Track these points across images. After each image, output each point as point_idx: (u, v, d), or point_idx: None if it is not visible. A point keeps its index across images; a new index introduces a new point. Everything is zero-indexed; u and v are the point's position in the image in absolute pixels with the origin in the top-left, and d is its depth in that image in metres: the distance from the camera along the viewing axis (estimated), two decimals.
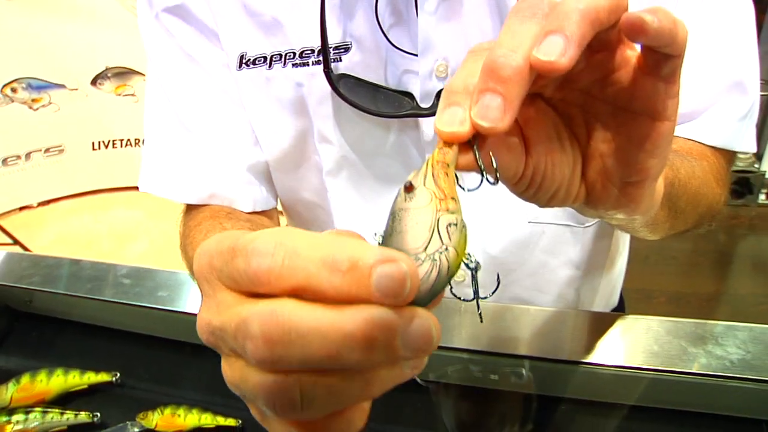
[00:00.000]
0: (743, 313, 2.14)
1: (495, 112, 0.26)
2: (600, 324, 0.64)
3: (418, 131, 0.61)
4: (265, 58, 0.61)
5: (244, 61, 0.62)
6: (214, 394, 0.70)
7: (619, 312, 0.85)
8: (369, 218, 0.68)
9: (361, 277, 0.22)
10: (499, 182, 0.31)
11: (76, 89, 2.37)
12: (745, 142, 0.60)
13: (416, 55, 0.57)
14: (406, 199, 0.29)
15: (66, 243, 2.43)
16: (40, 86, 2.29)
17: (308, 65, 0.59)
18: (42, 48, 2.27)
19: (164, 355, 0.75)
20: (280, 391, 0.24)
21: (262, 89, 0.62)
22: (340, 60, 0.58)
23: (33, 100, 2.29)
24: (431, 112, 0.57)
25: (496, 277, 0.67)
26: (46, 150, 2.44)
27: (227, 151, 0.65)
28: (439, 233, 0.27)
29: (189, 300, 0.71)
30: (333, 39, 0.58)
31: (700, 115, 0.60)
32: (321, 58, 0.57)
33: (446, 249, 0.26)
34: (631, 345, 0.61)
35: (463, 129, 0.28)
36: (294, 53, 0.60)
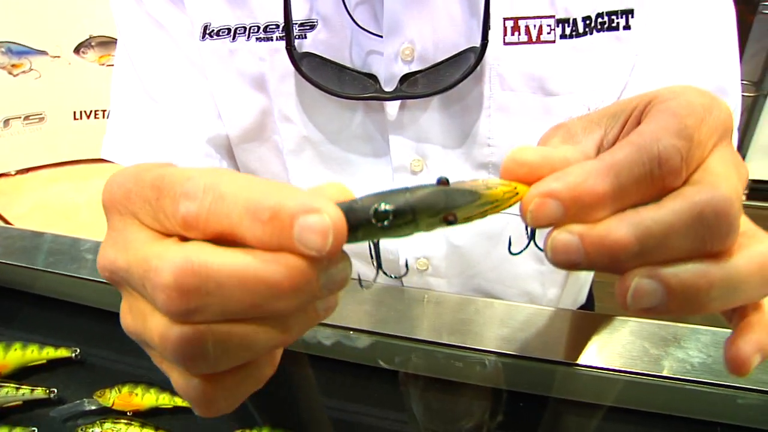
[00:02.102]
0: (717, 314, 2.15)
1: (568, 258, 0.26)
2: (564, 321, 0.64)
3: (382, 113, 0.60)
4: (228, 29, 0.60)
5: (207, 31, 0.60)
6: None
7: (588, 309, 0.84)
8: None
9: (283, 227, 0.22)
10: None
11: (59, 57, 2.33)
12: None
13: (381, 37, 0.56)
14: (430, 224, 0.26)
15: (44, 212, 2.40)
16: (21, 51, 2.25)
17: (272, 40, 0.58)
18: (24, 13, 2.23)
19: (124, 332, 0.74)
20: (191, 343, 0.23)
21: (225, 62, 0.61)
22: (305, 37, 0.57)
23: (13, 66, 2.25)
24: (394, 95, 0.56)
25: (455, 267, 0.66)
26: (26, 117, 2.40)
27: (188, 122, 0.64)
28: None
29: None
30: (298, 15, 0.57)
31: None
32: (285, 34, 0.56)
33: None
34: (593, 344, 0.61)
35: (571, 260, 0.26)
36: (258, 27, 0.58)
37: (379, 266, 0.29)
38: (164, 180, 0.24)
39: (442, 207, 0.26)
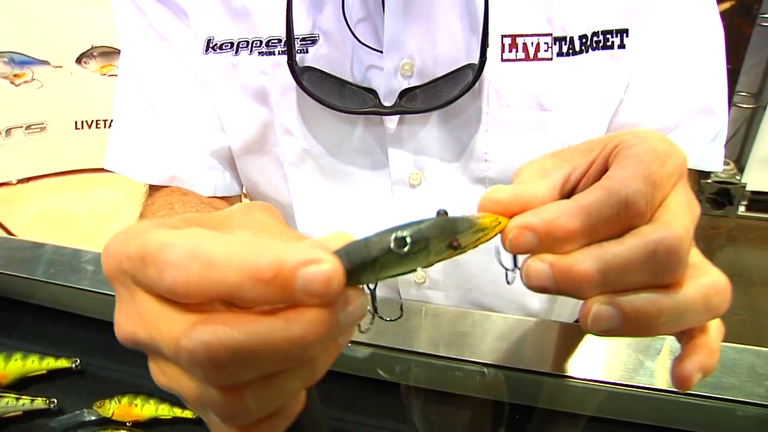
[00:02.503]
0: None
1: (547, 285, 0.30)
2: (560, 334, 0.64)
3: (381, 127, 0.61)
4: (232, 43, 0.60)
5: (211, 45, 0.61)
6: None
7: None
8: (331, 213, 0.68)
9: (286, 283, 0.22)
10: None
11: (61, 67, 2.34)
12: (714, 163, 0.62)
13: (382, 52, 0.57)
14: (439, 251, 0.29)
15: (45, 222, 2.41)
16: (24, 61, 2.27)
17: (274, 54, 0.59)
18: (26, 23, 2.24)
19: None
20: (231, 403, 0.24)
21: (228, 75, 0.62)
22: (307, 52, 0.58)
23: (15, 75, 2.27)
24: (393, 110, 0.57)
25: (453, 281, 0.67)
26: (28, 127, 2.41)
27: (192, 134, 0.65)
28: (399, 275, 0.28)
29: None
30: (300, 30, 0.57)
31: (668, 134, 0.61)
32: (286, 49, 0.57)
33: (430, 258, 0.28)
34: (589, 357, 0.62)
35: (542, 285, 0.30)
36: (261, 41, 0.59)
37: (375, 311, 0.31)
38: (146, 248, 0.24)
39: (449, 233, 0.28)
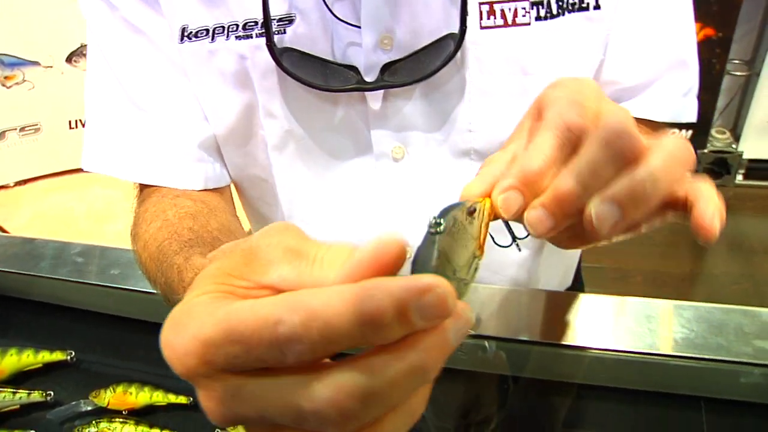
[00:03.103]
0: (718, 292, 2.16)
1: (543, 228, 0.33)
2: (548, 303, 0.64)
3: (364, 105, 0.61)
4: (207, 30, 0.60)
5: (186, 33, 0.61)
6: (166, 371, 0.70)
7: (577, 291, 0.85)
8: (316, 194, 0.67)
9: (405, 318, 0.22)
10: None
11: (51, 66, 2.34)
12: (688, 115, 0.63)
13: (360, 27, 0.57)
14: (466, 219, 0.31)
15: (43, 222, 2.41)
16: (14, 63, 2.26)
17: (252, 37, 0.59)
18: (14, 24, 2.24)
19: (118, 333, 0.75)
20: None
21: (206, 63, 0.61)
22: (284, 32, 0.58)
23: (6, 78, 2.26)
24: (376, 85, 0.57)
25: None
26: (22, 129, 2.41)
27: (177, 127, 0.64)
28: (469, 268, 0.30)
29: (140, 278, 0.70)
30: (276, 11, 0.57)
31: (644, 90, 0.62)
32: (264, 31, 0.56)
33: (467, 283, 0.30)
34: (578, 324, 0.62)
35: (510, 218, 0.33)
36: (237, 25, 0.59)
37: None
38: (242, 333, 0.22)
39: (461, 206, 0.32)
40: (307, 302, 0.22)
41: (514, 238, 0.37)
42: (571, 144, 0.33)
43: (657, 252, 2.33)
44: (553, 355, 0.63)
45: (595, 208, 0.31)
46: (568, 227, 0.34)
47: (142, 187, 0.67)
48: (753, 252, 2.32)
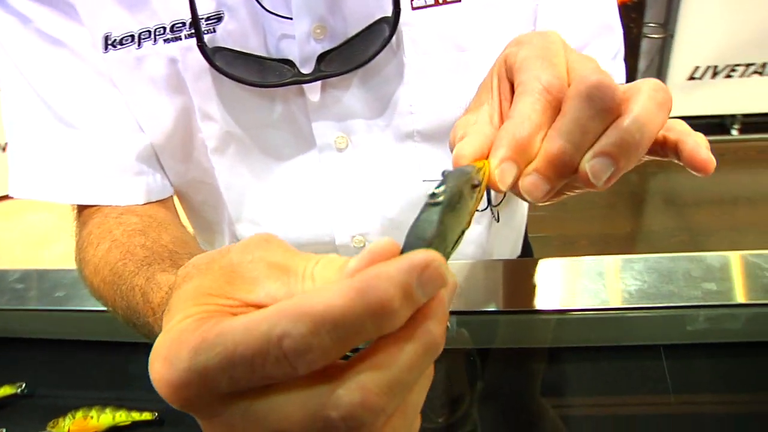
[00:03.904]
0: (659, 246, 2.25)
1: (539, 193, 0.33)
2: (504, 272, 0.65)
3: (303, 98, 0.60)
4: (132, 36, 0.57)
5: (109, 42, 0.58)
6: (126, 390, 0.68)
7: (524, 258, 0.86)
8: (262, 193, 0.66)
9: (411, 300, 0.22)
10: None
11: None
12: (618, 77, 0.64)
13: (291, 19, 0.56)
14: (469, 193, 0.31)
15: None
16: None
17: (181, 39, 0.57)
18: None
19: (70, 357, 0.72)
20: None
21: (133, 71, 0.59)
22: (214, 31, 0.56)
23: None
24: (313, 77, 0.56)
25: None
26: None
27: (111, 141, 0.62)
28: (456, 241, 0.29)
29: (87, 297, 0.68)
30: (204, 9, 0.55)
31: None
32: (193, 31, 0.54)
33: (447, 255, 0.28)
34: (534, 289, 0.63)
35: (506, 189, 0.33)
36: (164, 28, 0.57)
37: None
38: (245, 355, 0.21)
39: (464, 174, 0.31)
40: (309, 307, 0.21)
41: (491, 205, 0.38)
42: (552, 105, 0.33)
43: (598, 215, 2.40)
44: (514, 323, 0.64)
45: (589, 165, 0.32)
46: None
47: (81, 209, 0.64)
48: (685, 205, 2.42)
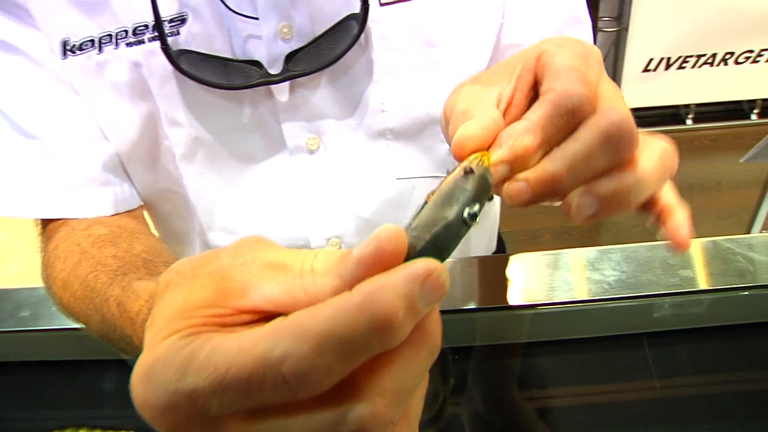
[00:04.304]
0: (621, 237, 2.28)
1: (522, 199, 0.32)
2: (483, 268, 0.65)
3: (272, 99, 0.58)
4: (92, 41, 0.55)
5: (68, 47, 0.56)
6: (101, 409, 0.66)
7: (500, 254, 0.87)
8: (234, 200, 0.65)
9: (415, 311, 0.21)
10: None
11: None
12: None
13: (257, 19, 0.54)
14: (464, 182, 0.29)
15: None
16: None
17: (143, 42, 0.55)
18: None
19: (40, 379, 0.69)
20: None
21: (95, 77, 0.56)
22: (178, 33, 0.54)
23: None
24: (281, 78, 0.55)
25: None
26: None
27: (74, 151, 0.59)
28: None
29: (55, 315, 0.65)
30: (167, 11, 0.53)
31: None
32: (157, 34, 0.53)
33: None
34: (514, 283, 0.63)
35: (524, 200, 0.32)
36: (126, 31, 0.55)
37: None
38: (244, 379, 0.20)
39: (487, 185, 0.29)
40: (310, 325, 0.20)
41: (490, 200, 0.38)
42: (571, 127, 0.32)
43: (559, 209, 2.40)
44: (493, 319, 0.63)
45: (578, 200, 0.31)
46: None
47: (45, 224, 0.61)
48: None
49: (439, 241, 0.25)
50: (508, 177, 0.32)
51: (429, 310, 0.21)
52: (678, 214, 0.36)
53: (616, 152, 0.30)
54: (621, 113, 0.31)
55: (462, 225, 0.26)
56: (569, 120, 0.31)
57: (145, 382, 0.21)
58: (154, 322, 0.24)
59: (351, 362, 0.20)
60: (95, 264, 0.52)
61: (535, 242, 2.29)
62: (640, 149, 0.32)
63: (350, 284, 0.21)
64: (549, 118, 0.31)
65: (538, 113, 0.31)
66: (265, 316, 0.23)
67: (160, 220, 0.71)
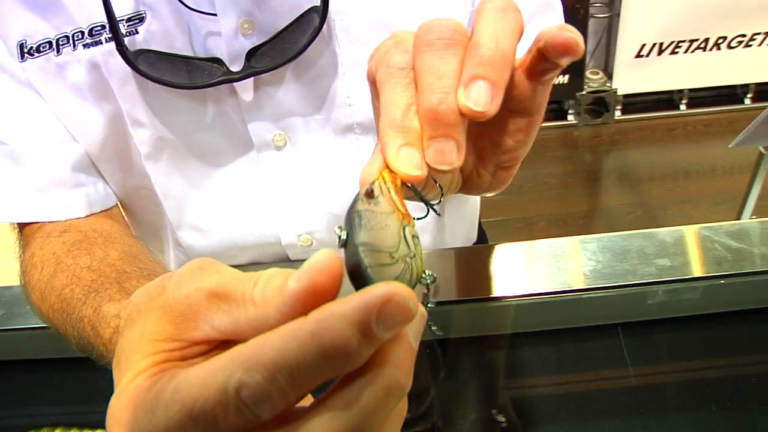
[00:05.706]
0: (616, 224, 2.28)
1: (451, 156, 0.28)
2: (460, 259, 0.65)
3: (236, 97, 0.58)
4: (50, 43, 0.54)
5: (25, 50, 0.55)
6: (77, 407, 0.66)
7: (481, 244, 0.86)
8: (202, 199, 0.64)
9: (370, 337, 0.20)
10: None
11: None
12: None
13: (216, 15, 0.53)
14: (369, 203, 0.28)
15: None
16: None
17: (101, 43, 0.54)
18: None
19: (16, 378, 0.69)
20: None
21: (55, 78, 0.56)
22: (137, 32, 0.53)
23: None
24: (243, 74, 0.54)
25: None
26: None
27: (43, 153, 0.58)
28: (406, 241, 0.27)
29: (28, 314, 0.65)
30: (123, 10, 0.53)
31: None
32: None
33: (413, 256, 0.27)
34: (490, 274, 0.62)
35: (423, 173, 0.28)
36: (82, 32, 0.54)
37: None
38: (204, 401, 0.21)
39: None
40: (263, 355, 0.20)
41: (425, 201, 0.35)
42: (410, 78, 0.30)
43: (554, 196, 2.43)
44: (471, 311, 0.63)
45: (464, 97, 0.28)
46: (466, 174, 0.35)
47: (22, 227, 0.61)
48: (640, 181, 2.47)
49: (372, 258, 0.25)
50: (421, 156, 0.29)
51: (392, 334, 0.21)
52: (549, 29, 0.30)
53: (448, 44, 0.29)
54: (424, 23, 0.30)
55: (343, 248, 0.26)
56: (402, 78, 0.30)
57: (120, 427, 0.22)
58: (119, 363, 0.25)
59: (304, 387, 0.20)
60: (70, 276, 0.51)
61: (528, 230, 2.29)
62: (473, 18, 0.30)
63: (291, 317, 0.21)
64: (388, 91, 0.30)
65: (381, 100, 0.31)
66: (222, 342, 0.24)
67: (135, 218, 0.71)
